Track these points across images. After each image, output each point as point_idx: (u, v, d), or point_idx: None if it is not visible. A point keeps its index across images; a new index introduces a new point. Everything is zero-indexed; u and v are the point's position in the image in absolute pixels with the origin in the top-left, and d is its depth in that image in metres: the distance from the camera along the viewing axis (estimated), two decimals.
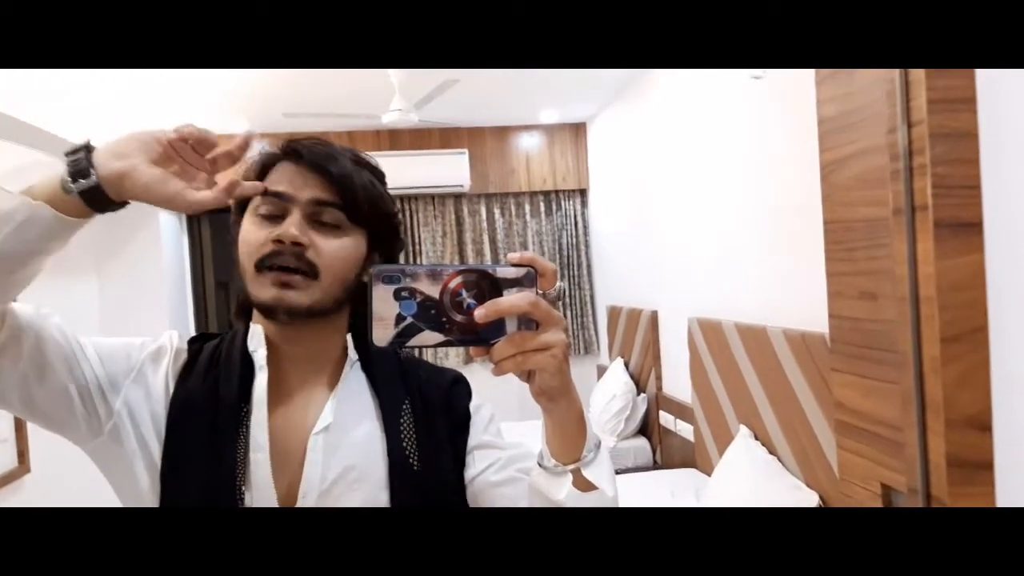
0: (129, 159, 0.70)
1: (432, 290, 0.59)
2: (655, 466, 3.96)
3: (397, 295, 0.59)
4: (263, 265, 0.79)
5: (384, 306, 0.59)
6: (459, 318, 0.60)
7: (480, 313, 0.59)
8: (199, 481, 0.78)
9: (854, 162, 1.41)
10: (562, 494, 0.68)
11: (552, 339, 0.61)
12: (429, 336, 0.60)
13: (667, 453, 3.91)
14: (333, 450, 0.81)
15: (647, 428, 4.12)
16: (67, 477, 3.82)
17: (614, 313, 4.73)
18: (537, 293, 0.61)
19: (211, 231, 5.01)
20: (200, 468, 0.78)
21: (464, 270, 0.60)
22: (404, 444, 0.83)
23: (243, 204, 0.85)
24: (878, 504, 1.41)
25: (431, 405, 0.87)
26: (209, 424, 0.80)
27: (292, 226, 0.78)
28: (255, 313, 0.86)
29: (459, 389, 0.91)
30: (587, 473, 0.68)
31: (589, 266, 5.31)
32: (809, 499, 2.36)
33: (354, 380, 0.87)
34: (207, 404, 0.81)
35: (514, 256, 0.62)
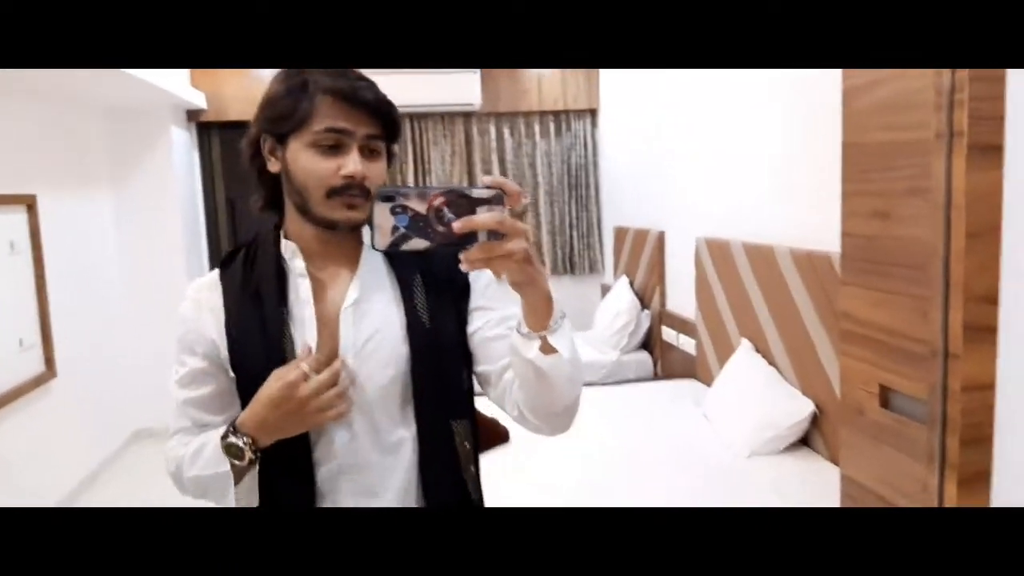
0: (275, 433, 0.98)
1: (420, 207, 0.77)
2: (655, 378, 4.15)
3: (393, 211, 0.77)
4: (333, 193, 0.97)
5: (383, 218, 0.77)
6: (441, 229, 0.77)
7: (457, 226, 0.76)
8: (261, 378, 0.98)
9: (876, 89, 1.50)
10: (531, 353, 0.89)
11: (513, 247, 0.78)
12: (417, 242, 0.77)
13: (668, 366, 4.09)
14: (361, 319, 1.02)
15: (650, 343, 4.29)
16: (91, 382, 4.01)
17: (620, 234, 4.83)
18: (506, 210, 0.78)
19: (221, 148, 5.03)
20: (260, 365, 0.99)
21: (445, 191, 0.77)
22: (417, 307, 1.03)
23: (282, 132, 0.98)
24: (875, 404, 1.56)
25: (438, 276, 1.06)
26: (260, 328, 1.00)
27: (357, 163, 0.96)
28: (289, 223, 1.05)
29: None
30: (551, 340, 0.89)
31: (597, 187, 5.37)
32: (805, 407, 2.53)
33: (372, 261, 1.06)
34: (255, 312, 1.01)
35: (487, 179, 0.77)
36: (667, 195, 4.06)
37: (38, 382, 3.45)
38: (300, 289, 1.02)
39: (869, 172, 1.54)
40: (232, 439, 0.97)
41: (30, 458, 3.36)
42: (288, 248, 1.03)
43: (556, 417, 0.98)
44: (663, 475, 2.46)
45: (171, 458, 1.06)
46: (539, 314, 0.88)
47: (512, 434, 2.73)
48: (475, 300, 1.08)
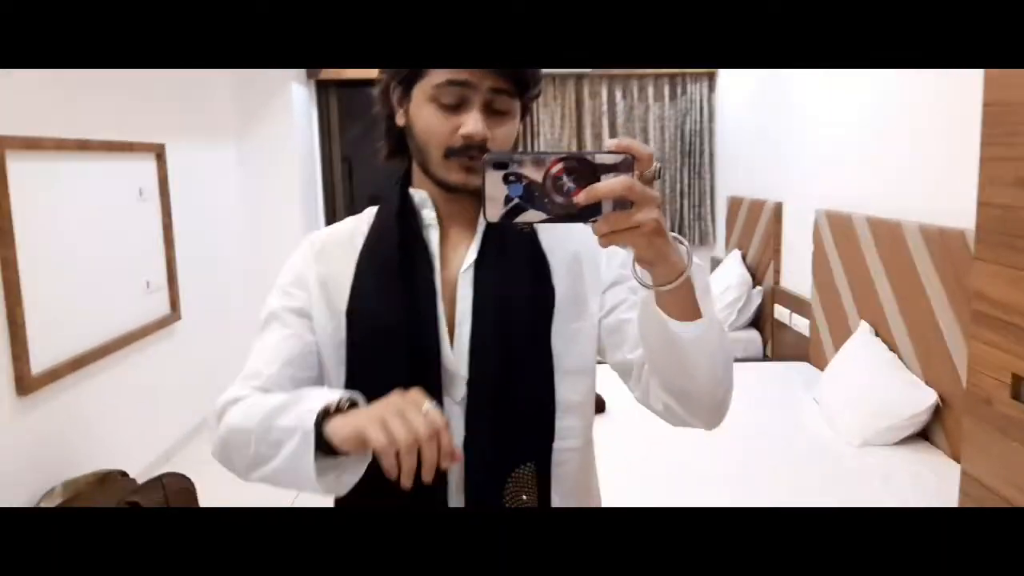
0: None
1: (536, 175, 0.67)
2: (764, 359, 3.96)
3: (506, 179, 0.67)
4: (451, 154, 0.89)
5: (495, 188, 0.68)
6: (559, 199, 0.67)
7: (581, 197, 0.67)
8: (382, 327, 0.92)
9: None
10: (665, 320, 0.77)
11: (643, 218, 0.67)
12: (533, 214, 0.68)
13: (778, 346, 3.89)
14: (479, 284, 0.93)
15: (759, 321, 4.09)
16: (214, 324, 4.24)
17: (734, 204, 4.61)
18: (634, 175, 0.67)
19: (339, 105, 5.16)
20: (384, 313, 0.92)
21: (565, 157, 0.67)
22: (541, 277, 0.94)
23: (408, 81, 0.91)
24: (1005, 394, 1.40)
25: (570, 244, 0.97)
26: (393, 275, 0.93)
27: (478, 123, 0.87)
28: (415, 176, 0.97)
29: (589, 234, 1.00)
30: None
31: (712, 155, 5.14)
32: (927, 397, 2.33)
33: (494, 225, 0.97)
34: (385, 259, 0.95)
35: (611, 142, 0.68)
36: (786, 164, 3.83)
37: (163, 323, 3.67)
38: (431, 240, 0.95)
39: (1013, 135, 1.35)
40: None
41: (153, 395, 3.60)
42: (418, 195, 0.96)
43: (702, 406, 0.84)
44: (766, 461, 2.35)
45: (234, 407, 0.91)
46: (676, 297, 0.77)
47: (609, 405, 2.66)
48: (610, 273, 0.97)
